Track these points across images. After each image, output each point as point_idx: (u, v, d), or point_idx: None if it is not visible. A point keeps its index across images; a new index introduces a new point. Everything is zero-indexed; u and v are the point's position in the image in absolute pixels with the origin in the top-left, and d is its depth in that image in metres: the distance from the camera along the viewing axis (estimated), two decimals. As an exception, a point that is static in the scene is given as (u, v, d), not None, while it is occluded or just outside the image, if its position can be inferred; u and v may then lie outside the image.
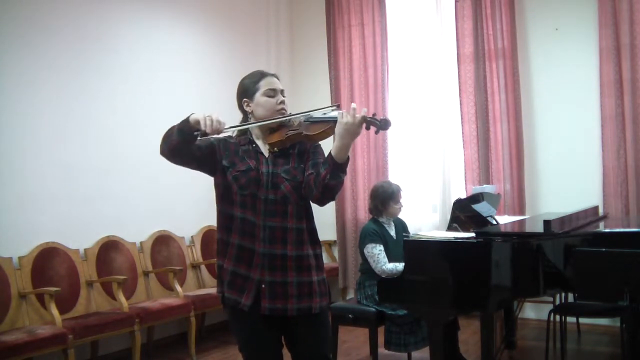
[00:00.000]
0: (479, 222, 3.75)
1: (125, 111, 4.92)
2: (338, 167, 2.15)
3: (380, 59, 5.95)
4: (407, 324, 3.76)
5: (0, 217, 4.04)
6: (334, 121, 2.18)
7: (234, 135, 2.41)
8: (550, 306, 4.30)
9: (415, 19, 5.94)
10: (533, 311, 5.30)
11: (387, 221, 3.97)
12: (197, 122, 2.11)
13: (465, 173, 5.54)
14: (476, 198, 3.97)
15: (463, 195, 5.20)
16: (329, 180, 2.15)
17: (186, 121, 2.15)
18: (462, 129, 5.53)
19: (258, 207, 2.23)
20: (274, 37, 6.53)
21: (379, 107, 5.89)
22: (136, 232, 4.87)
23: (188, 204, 5.37)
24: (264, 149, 2.32)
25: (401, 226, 4.06)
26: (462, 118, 5.53)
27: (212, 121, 2.10)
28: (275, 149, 2.27)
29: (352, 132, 2.11)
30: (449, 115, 5.71)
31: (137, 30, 5.07)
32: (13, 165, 4.14)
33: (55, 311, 3.86)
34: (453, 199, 4.54)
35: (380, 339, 3.92)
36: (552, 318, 3.89)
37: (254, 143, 2.34)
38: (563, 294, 4.44)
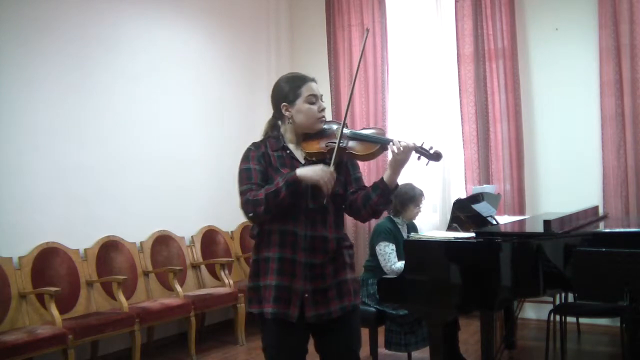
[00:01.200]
0: (479, 222, 3.75)
1: (126, 111, 4.92)
2: (390, 193, 2.25)
3: (380, 59, 5.95)
4: (408, 324, 3.76)
5: (0, 217, 4.04)
6: (381, 144, 2.21)
7: (263, 137, 2.38)
8: (550, 306, 4.30)
9: (415, 19, 5.93)
10: (533, 311, 5.30)
11: (401, 222, 3.99)
12: (314, 182, 2.13)
13: (465, 173, 5.54)
14: (476, 198, 3.97)
15: (463, 195, 5.20)
16: (381, 206, 2.26)
17: (296, 183, 2.14)
18: (462, 129, 5.54)
19: (299, 217, 2.22)
20: (274, 37, 6.53)
21: (379, 107, 5.89)
22: (136, 232, 4.87)
23: (188, 204, 5.37)
24: (299, 155, 2.31)
25: (413, 230, 4.08)
26: (462, 118, 5.53)
27: (331, 182, 2.13)
28: (314, 159, 2.25)
29: (405, 163, 2.20)
30: (449, 115, 5.71)
31: (136, 30, 5.07)
32: (13, 165, 4.14)
33: (55, 311, 3.86)
34: (453, 199, 4.54)
35: (380, 339, 3.92)
36: (552, 318, 3.89)
37: (287, 149, 2.31)
38: (563, 294, 4.43)
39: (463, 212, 3.82)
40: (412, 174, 5.74)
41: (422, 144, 2.20)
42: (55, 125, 4.41)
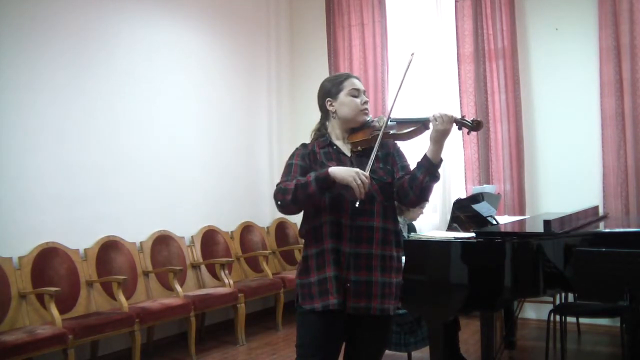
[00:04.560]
0: (479, 222, 3.75)
1: (125, 111, 4.92)
2: (435, 168, 2.23)
3: (380, 59, 5.95)
4: (407, 324, 3.76)
5: (0, 217, 4.04)
6: (422, 122, 2.26)
7: (311, 139, 2.43)
8: (550, 306, 4.30)
9: (415, 19, 5.94)
10: (533, 311, 5.30)
11: (403, 222, 4.00)
12: (345, 182, 2.12)
13: (465, 173, 5.55)
14: (476, 198, 3.97)
15: (463, 195, 5.20)
16: (428, 183, 2.23)
17: (326, 179, 2.15)
18: (462, 129, 5.52)
19: (345, 207, 2.25)
20: (274, 37, 6.53)
21: (379, 107, 5.89)
22: (136, 232, 4.87)
23: (188, 204, 5.37)
24: (346, 149, 2.36)
25: (412, 229, 4.10)
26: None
27: (363, 184, 2.10)
28: (360, 147, 2.31)
29: (446, 134, 2.21)
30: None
31: (137, 30, 5.07)
32: (13, 165, 4.14)
33: (55, 311, 3.86)
34: (453, 199, 4.54)
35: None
36: (552, 318, 3.89)
37: (334, 145, 2.37)
38: (563, 294, 4.44)
39: (463, 212, 3.82)
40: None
41: (462, 117, 2.26)
42: (54, 126, 4.41)
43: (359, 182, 2.09)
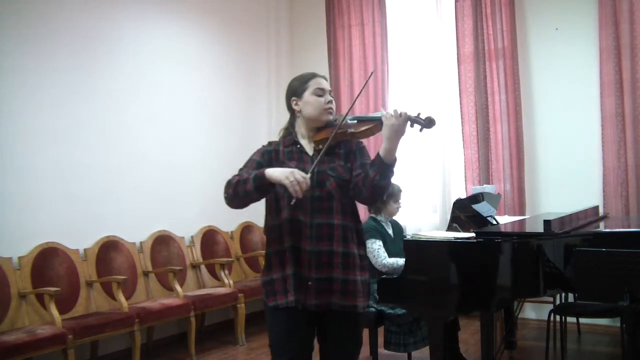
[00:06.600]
0: (479, 222, 3.75)
1: (126, 111, 4.92)
2: (387, 167, 2.21)
3: (380, 59, 5.95)
4: (407, 324, 3.76)
5: (0, 217, 4.04)
6: (378, 120, 2.25)
7: (279, 137, 2.46)
8: (550, 306, 4.31)
9: (415, 19, 5.94)
10: (533, 311, 5.30)
11: (384, 220, 4.00)
12: (279, 182, 2.12)
13: (465, 173, 5.54)
14: (476, 198, 3.97)
15: (463, 195, 5.20)
16: (378, 181, 2.21)
17: (262, 179, 2.17)
18: (462, 129, 5.54)
19: (305, 205, 2.25)
20: (274, 37, 6.53)
21: (379, 107, 5.89)
22: (136, 232, 4.87)
23: (188, 204, 5.37)
24: (309, 148, 2.38)
25: (398, 227, 4.09)
26: (462, 118, 5.54)
27: (299, 184, 2.09)
28: (320, 146, 2.32)
29: (398, 132, 2.20)
30: (449, 115, 5.71)
31: (138, 31, 5.07)
32: (13, 165, 4.14)
33: (55, 311, 3.86)
34: (453, 199, 4.53)
35: (380, 339, 3.91)
36: (552, 318, 3.89)
37: (298, 143, 2.38)
38: (563, 294, 4.43)
39: (463, 212, 3.81)
40: (412, 174, 5.77)
41: (417, 114, 2.25)
42: (55, 126, 4.41)
43: (293, 180, 2.08)
